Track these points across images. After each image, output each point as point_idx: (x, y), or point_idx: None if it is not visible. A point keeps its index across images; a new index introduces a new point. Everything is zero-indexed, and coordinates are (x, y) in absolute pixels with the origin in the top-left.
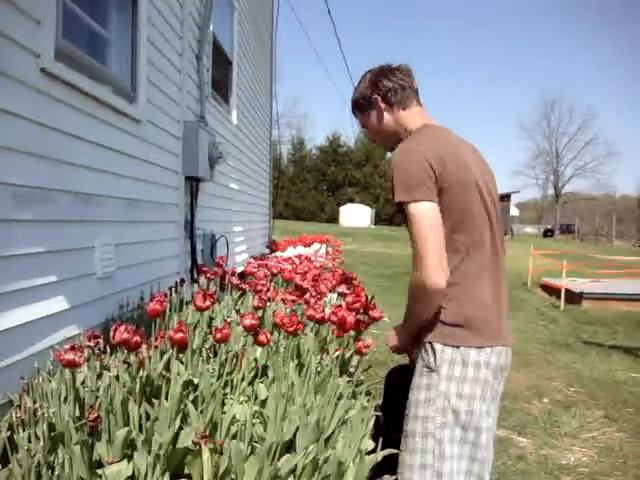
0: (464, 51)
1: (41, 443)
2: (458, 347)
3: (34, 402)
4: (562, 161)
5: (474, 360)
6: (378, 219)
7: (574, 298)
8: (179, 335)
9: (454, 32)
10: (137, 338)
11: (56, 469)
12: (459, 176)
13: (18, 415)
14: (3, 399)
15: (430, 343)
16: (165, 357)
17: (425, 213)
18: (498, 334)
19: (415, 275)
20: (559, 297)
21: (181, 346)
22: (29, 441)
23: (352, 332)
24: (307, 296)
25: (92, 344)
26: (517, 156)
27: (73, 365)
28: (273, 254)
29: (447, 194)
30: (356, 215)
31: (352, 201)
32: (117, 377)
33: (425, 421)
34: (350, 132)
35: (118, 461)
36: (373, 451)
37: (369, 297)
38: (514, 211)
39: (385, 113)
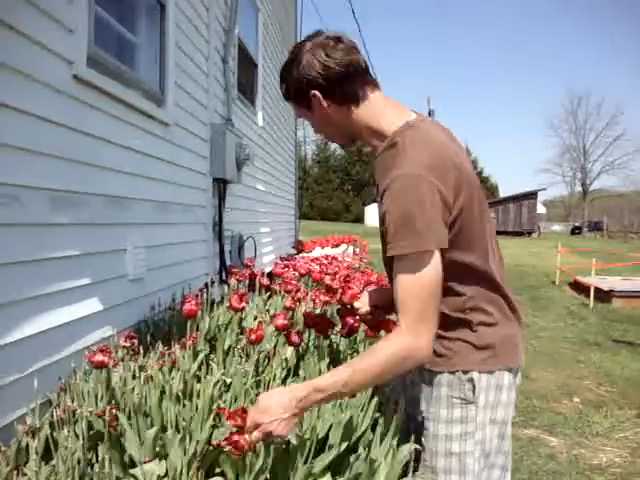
0: (490, 50)
1: (80, 442)
2: (492, 372)
3: (72, 401)
4: (590, 157)
5: (508, 383)
6: None
7: (604, 296)
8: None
9: (478, 30)
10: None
11: (95, 467)
12: (468, 191)
13: (58, 414)
14: (42, 399)
15: (464, 372)
16: (199, 357)
17: (437, 268)
18: (521, 350)
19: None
20: (588, 295)
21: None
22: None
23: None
24: (338, 296)
25: (128, 344)
26: (544, 153)
27: (103, 366)
28: (300, 254)
29: (458, 219)
30: None
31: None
32: (151, 377)
33: (463, 457)
34: None
35: (151, 460)
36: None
37: None
38: (541, 209)
39: (331, 111)
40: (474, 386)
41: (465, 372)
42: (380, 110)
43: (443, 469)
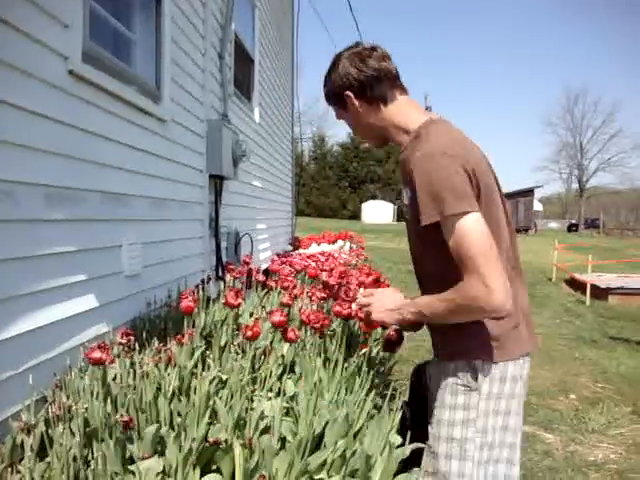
0: (486, 47)
1: (76, 439)
2: (497, 363)
3: (67, 398)
4: (587, 155)
5: (512, 374)
6: (400, 215)
7: (600, 293)
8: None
9: (473, 28)
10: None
11: (91, 464)
12: (487, 180)
13: (53, 411)
14: (38, 395)
15: (468, 360)
16: (195, 354)
17: (481, 225)
18: (530, 343)
19: (482, 293)
20: (585, 292)
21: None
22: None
23: (379, 329)
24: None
25: (124, 341)
26: (541, 151)
27: (100, 363)
28: (296, 251)
29: (481, 202)
30: (378, 211)
31: (374, 198)
32: (147, 374)
33: (463, 443)
34: None
35: (150, 456)
36: (400, 446)
37: None
38: (537, 206)
39: (363, 110)
40: (477, 374)
41: (469, 361)
42: (406, 110)
43: (444, 454)
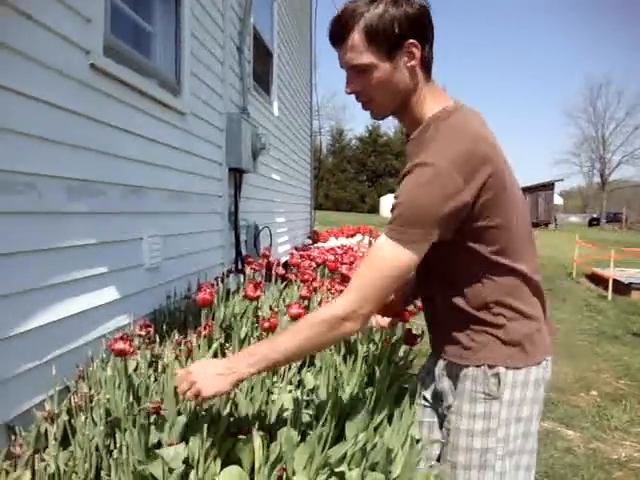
0: (506, 38)
1: (100, 428)
2: (520, 368)
3: (89, 389)
4: (609, 147)
5: (534, 379)
6: None
7: (622, 289)
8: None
9: (495, 17)
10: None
11: (114, 453)
12: (501, 184)
13: (75, 401)
14: (61, 385)
15: (490, 366)
16: (214, 346)
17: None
18: (549, 344)
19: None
20: (606, 287)
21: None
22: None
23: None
24: None
25: (144, 333)
26: (562, 143)
27: (123, 354)
28: (315, 245)
29: (487, 211)
30: None
31: (392, 191)
32: (169, 365)
33: (484, 453)
34: (390, 122)
35: (176, 443)
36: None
37: None
38: (558, 200)
39: (413, 71)
40: (499, 381)
41: (491, 366)
42: (439, 93)
43: (463, 465)
